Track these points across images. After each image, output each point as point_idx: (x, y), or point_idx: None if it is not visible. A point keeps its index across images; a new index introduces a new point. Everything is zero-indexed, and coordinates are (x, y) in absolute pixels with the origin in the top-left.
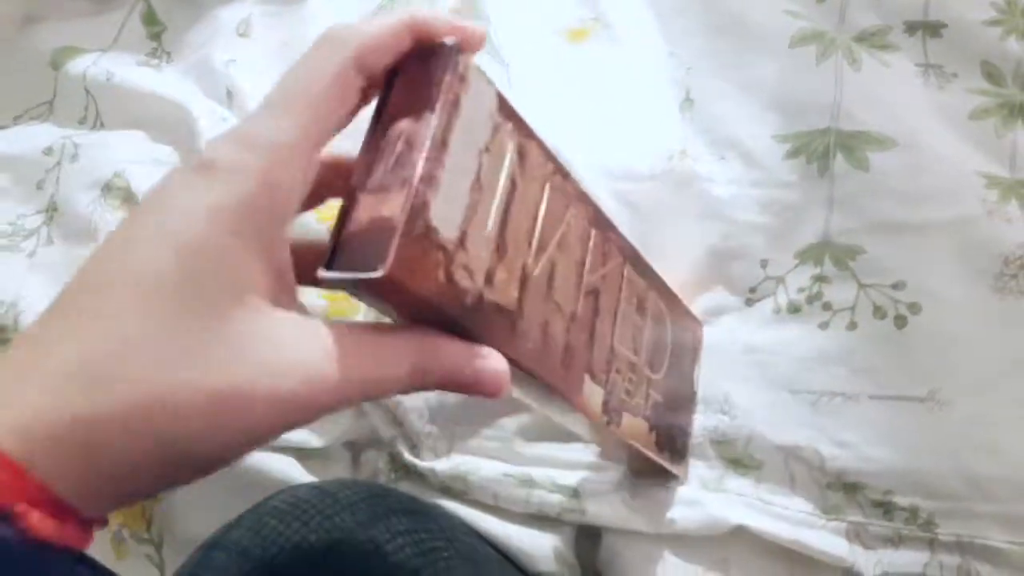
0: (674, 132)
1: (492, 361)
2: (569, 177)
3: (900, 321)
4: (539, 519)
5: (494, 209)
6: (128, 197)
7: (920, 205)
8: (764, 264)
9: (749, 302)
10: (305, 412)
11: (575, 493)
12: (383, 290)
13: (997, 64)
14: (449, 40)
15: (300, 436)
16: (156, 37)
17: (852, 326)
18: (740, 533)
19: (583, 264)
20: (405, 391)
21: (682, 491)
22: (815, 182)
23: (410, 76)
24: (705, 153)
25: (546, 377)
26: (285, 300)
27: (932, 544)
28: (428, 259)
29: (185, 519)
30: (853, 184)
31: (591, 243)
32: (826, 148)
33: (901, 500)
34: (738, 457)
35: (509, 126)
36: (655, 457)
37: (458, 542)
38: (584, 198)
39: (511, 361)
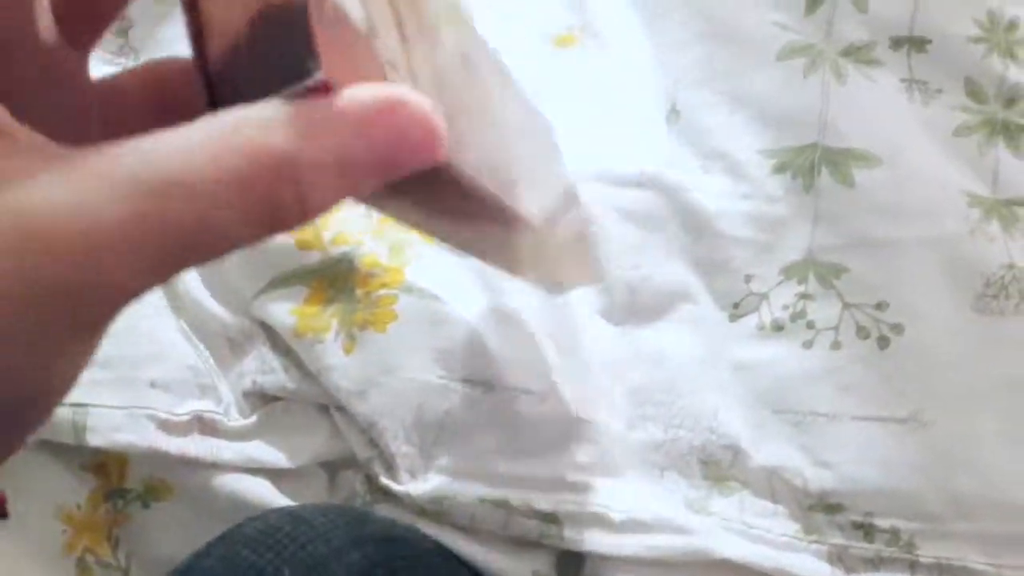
0: (660, 143)
1: (412, 104)
2: None
3: (883, 342)
4: (519, 542)
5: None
6: None
7: (903, 223)
8: (748, 279)
9: (733, 317)
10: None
11: (553, 518)
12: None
13: (980, 81)
14: None
15: (274, 457)
16: (123, 33)
17: (836, 346)
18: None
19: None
20: (265, 223)
21: (668, 515)
22: (800, 198)
23: None
24: (691, 165)
25: (491, 188)
26: None
27: (913, 567)
28: (353, 51)
29: (154, 542)
30: (838, 201)
31: None
32: (812, 164)
33: (882, 522)
34: (723, 476)
35: None
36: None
37: (437, 569)
38: None
39: (448, 177)
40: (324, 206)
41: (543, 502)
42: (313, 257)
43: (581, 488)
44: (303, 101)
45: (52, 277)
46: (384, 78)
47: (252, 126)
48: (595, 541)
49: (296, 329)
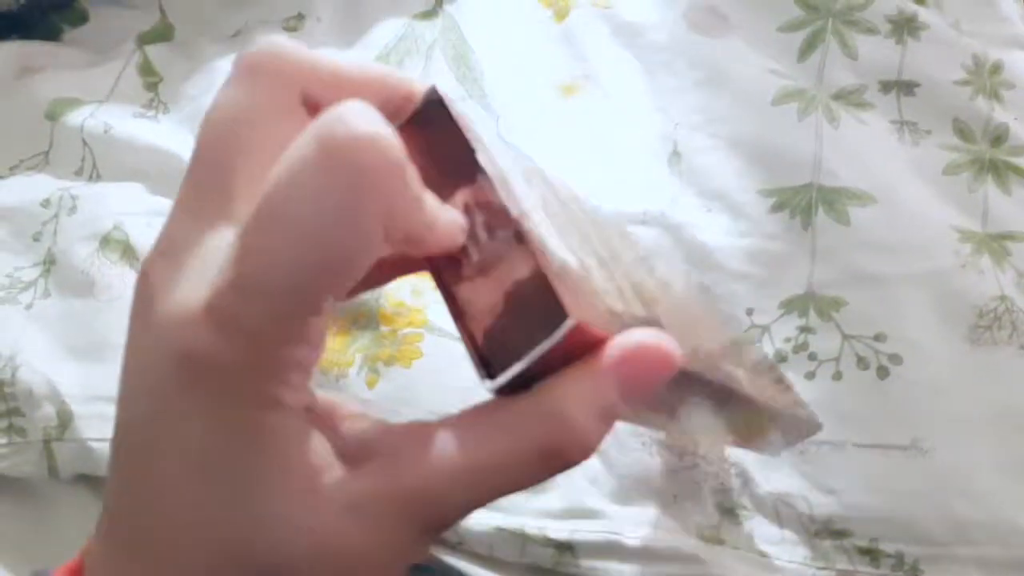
0: (663, 183)
1: (648, 342)
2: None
3: (882, 372)
4: (537, 570)
5: (571, 227)
6: (127, 250)
7: (898, 258)
8: (750, 312)
9: None
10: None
11: (568, 547)
12: (568, 347)
13: (967, 121)
14: (421, 89)
15: None
16: (153, 87)
17: (837, 376)
18: None
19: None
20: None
21: (681, 545)
22: (799, 235)
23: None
24: (693, 204)
25: (713, 375)
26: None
27: None
28: (584, 294)
29: None
30: (835, 237)
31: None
32: (808, 203)
33: (887, 547)
34: (734, 504)
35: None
36: (798, 405)
37: None
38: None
39: (681, 377)
40: (596, 445)
41: (558, 531)
42: None
43: (595, 516)
44: (576, 374)
45: None
46: (604, 304)
47: (545, 413)
48: (609, 570)
49: (322, 366)
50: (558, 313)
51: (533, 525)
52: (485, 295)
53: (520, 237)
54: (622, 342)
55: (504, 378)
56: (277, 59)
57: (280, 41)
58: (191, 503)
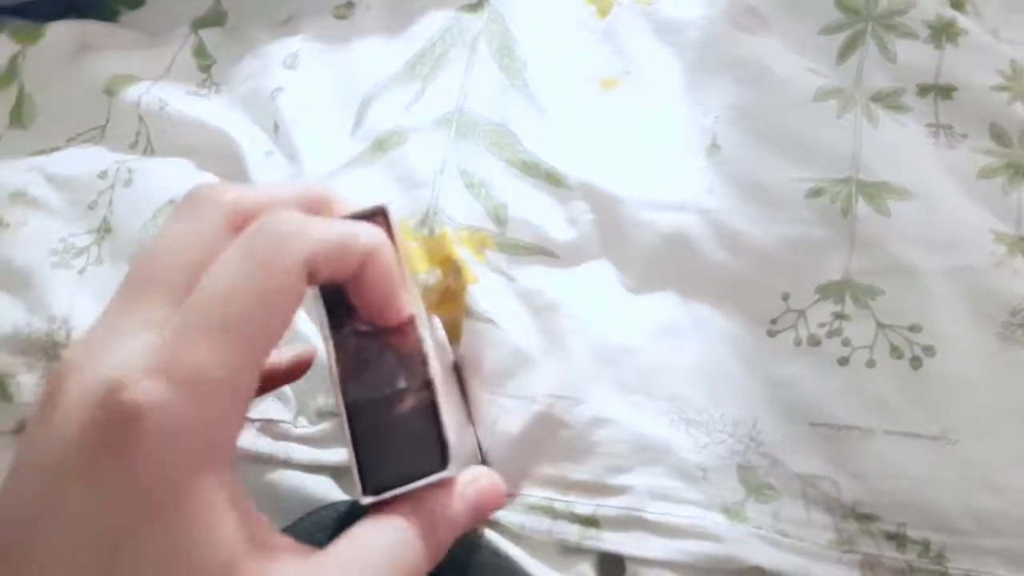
0: (700, 173)
1: (494, 483)
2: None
3: (916, 362)
4: (563, 547)
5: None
6: None
7: (935, 252)
8: (786, 297)
9: (771, 333)
10: None
11: (593, 522)
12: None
13: (1004, 126)
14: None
15: (338, 456)
16: (206, 69)
17: (871, 364)
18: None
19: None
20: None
21: (704, 521)
22: (837, 220)
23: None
24: (730, 194)
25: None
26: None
27: None
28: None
29: None
30: (874, 227)
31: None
32: (848, 193)
33: (914, 533)
34: (759, 484)
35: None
36: None
37: (492, 567)
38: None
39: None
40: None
41: (583, 506)
42: None
43: (620, 491)
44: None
45: None
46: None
47: (395, 554)
48: (633, 544)
49: None
50: (441, 458)
51: (560, 500)
52: (378, 416)
53: (428, 384)
54: (471, 489)
55: (375, 499)
56: (211, 191)
57: (211, 183)
58: None
